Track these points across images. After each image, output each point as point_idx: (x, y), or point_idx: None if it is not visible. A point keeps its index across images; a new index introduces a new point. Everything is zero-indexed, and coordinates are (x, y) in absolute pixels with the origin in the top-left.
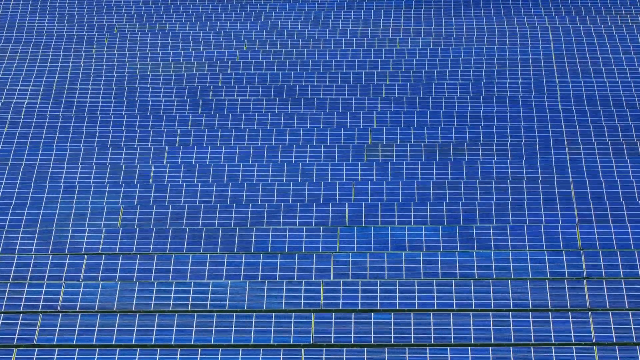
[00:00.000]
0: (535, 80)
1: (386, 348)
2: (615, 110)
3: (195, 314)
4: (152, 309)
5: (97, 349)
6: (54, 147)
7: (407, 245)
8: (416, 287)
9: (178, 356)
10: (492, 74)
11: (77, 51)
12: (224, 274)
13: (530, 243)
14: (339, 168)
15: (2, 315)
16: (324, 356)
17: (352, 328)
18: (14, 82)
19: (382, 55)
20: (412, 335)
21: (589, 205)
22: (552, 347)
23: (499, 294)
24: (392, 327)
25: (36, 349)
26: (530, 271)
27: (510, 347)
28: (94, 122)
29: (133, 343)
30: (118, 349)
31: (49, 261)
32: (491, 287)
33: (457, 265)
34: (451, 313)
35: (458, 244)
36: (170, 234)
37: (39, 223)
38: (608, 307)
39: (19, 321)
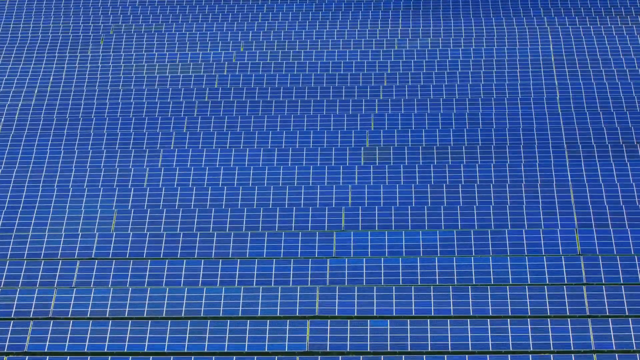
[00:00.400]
0: (534, 82)
1: (382, 356)
2: (615, 113)
3: (189, 320)
4: (145, 316)
5: (89, 357)
6: (48, 149)
7: (404, 250)
8: (413, 294)
9: None
10: (491, 76)
11: (72, 52)
12: (218, 279)
13: (529, 248)
14: (336, 171)
15: None
16: None
17: (348, 335)
18: (7, 83)
19: (380, 57)
20: (409, 343)
21: (588, 210)
22: (551, 354)
23: (497, 301)
24: (389, 334)
25: (27, 356)
26: (529, 277)
27: (509, 355)
28: (88, 124)
29: (125, 351)
30: (110, 357)
31: (41, 266)
32: (489, 293)
33: (455, 271)
34: (448, 320)
35: (456, 249)
36: (164, 238)
37: (31, 227)
38: (608, 313)
39: (10, 328)
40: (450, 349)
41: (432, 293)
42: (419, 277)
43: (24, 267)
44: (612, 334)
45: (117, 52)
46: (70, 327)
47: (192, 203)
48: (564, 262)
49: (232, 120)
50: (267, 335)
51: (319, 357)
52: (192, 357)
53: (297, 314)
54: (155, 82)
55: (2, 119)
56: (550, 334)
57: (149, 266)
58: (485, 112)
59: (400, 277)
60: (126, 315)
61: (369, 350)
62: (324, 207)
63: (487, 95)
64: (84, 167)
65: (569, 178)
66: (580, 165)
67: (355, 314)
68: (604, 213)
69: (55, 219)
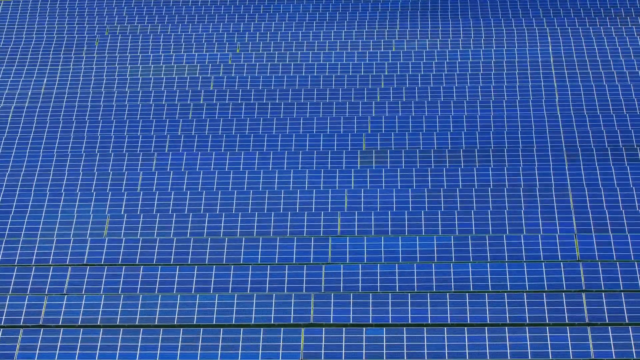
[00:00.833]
0: (533, 84)
1: None
2: (615, 115)
3: (182, 328)
4: (137, 324)
5: None
6: (41, 152)
7: (400, 256)
8: (409, 301)
9: None
10: (489, 78)
11: (66, 53)
12: (212, 286)
13: (527, 254)
14: (332, 175)
15: None
16: None
17: (343, 344)
18: (1, 85)
19: (377, 59)
20: (405, 352)
21: (587, 214)
22: None
23: (495, 308)
24: (384, 343)
25: None
26: (527, 283)
27: None
28: (82, 127)
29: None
30: None
31: (32, 273)
32: (487, 300)
33: (452, 277)
34: (445, 328)
35: (453, 255)
36: (157, 244)
37: (22, 233)
38: (607, 321)
39: None
40: (447, 358)
41: (428, 300)
42: (415, 284)
43: (14, 273)
44: (611, 342)
45: (112, 53)
46: (60, 335)
47: (186, 208)
48: (562, 268)
49: (228, 122)
50: (260, 344)
51: None
52: None
53: (292, 322)
54: (150, 84)
55: None
56: (549, 342)
57: (141, 272)
58: (483, 115)
59: (397, 284)
60: (118, 323)
61: (364, 359)
62: (320, 212)
63: (485, 97)
64: (77, 171)
65: (568, 182)
66: (580, 169)
67: (351, 322)
68: (603, 218)
69: (47, 224)
